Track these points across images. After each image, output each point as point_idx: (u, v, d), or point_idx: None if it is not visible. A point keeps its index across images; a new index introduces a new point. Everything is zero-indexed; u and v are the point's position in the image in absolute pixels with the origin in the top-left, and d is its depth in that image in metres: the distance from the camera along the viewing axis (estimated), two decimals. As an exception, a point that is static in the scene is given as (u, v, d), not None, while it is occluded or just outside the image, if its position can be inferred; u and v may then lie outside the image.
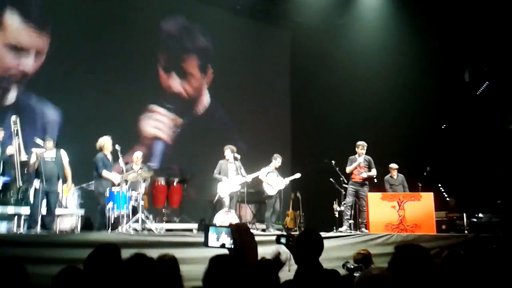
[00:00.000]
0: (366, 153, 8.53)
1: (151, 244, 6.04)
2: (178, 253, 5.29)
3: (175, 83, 11.25)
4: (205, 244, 2.45)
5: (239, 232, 2.88)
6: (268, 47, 12.65)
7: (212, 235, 2.47)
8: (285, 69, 13.12)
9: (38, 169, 6.70)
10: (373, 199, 8.51)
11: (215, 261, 2.19)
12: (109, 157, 7.52)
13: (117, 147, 7.43)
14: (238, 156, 8.32)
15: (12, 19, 9.14)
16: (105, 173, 7.31)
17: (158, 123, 10.83)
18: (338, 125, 11.24)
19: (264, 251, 3.98)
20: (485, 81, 11.36)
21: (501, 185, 10.07)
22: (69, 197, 7.74)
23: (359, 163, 8.42)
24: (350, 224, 8.31)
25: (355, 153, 8.55)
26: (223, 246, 2.45)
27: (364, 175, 8.40)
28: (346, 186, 8.60)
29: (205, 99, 11.74)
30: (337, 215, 8.62)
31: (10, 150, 6.73)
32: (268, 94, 12.55)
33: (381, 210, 8.42)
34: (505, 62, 10.63)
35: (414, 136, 10.91)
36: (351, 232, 8.02)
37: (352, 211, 8.42)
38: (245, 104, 12.10)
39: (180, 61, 11.40)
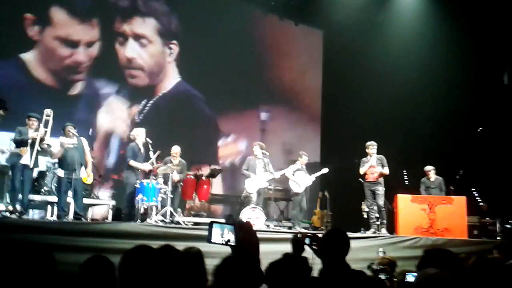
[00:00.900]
0: (381, 153, 8.36)
1: (178, 236, 6.14)
2: (203, 246, 5.37)
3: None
4: (208, 239, 2.46)
5: (242, 230, 2.87)
6: (300, 46, 12.58)
7: (216, 231, 2.47)
8: (317, 67, 13.02)
9: (62, 158, 6.79)
10: (403, 201, 8.36)
11: (225, 261, 2.20)
12: (142, 148, 7.64)
13: (149, 140, 7.55)
14: (267, 153, 8.32)
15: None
16: (132, 162, 7.42)
17: (111, 116, 10.11)
18: (369, 124, 11.06)
19: (284, 249, 3.98)
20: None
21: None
22: (102, 187, 7.91)
23: (372, 163, 8.25)
24: (378, 226, 8.17)
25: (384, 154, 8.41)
26: (227, 243, 2.44)
27: (378, 170, 8.20)
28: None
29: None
30: (365, 216, 8.50)
31: (33, 134, 6.56)
32: (301, 92, 12.49)
33: (411, 212, 8.26)
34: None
35: (448, 138, 10.65)
36: (379, 234, 7.89)
37: (383, 212, 8.26)
38: (278, 101, 12.03)
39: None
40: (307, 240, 3.55)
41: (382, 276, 3.86)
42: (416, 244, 7.42)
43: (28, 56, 9.19)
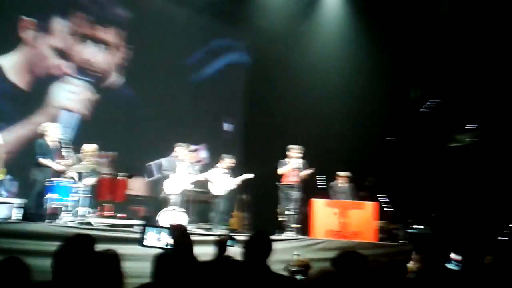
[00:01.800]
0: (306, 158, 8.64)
1: (105, 239, 5.85)
2: (119, 249, 5.18)
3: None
4: (140, 243, 2.43)
5: (178, 233, 2.88)
6: (224, 49, 12.63)
7: (150, 234, 2.45)
8: (241, 72, 13.14)
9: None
10: (317, 204, 8.72)
11: (162, 259, 2.18)
12: (50, 144, 7.22)
13: (63, 138, 7.16)
14: (190, 155, 8.25)
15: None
16: (42, 160, 7.01)
17: (71, 94, 9.99)
18: (291, 130, 11.38)
19: (207, 251, 4.00)
20: (430, 99, 11.94)
21: (436, 199, 10.63)
22: (6, 184, 7.37)
23: (293, 167, 8.48)
24: (295, 228, 8.41)
25: (304, 158, 8.66)
26: (167, 246, 2.44)
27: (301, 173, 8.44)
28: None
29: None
30: (280, 219, 8.71)
31: None
32: (222, 95, 12.51)
33: (324, 216, 8.64)
34: (450, 81, 11.22)
35: (361, 147, 11.27)
36: (294, 236, 8.14)
37: (297, 215, 8.53)
38: (197, 105, 11.92)
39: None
40: (229, 242, 3.63)
41: (298, 277, 4.02)
42: (329, 246, 7.76)
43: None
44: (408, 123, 11.80)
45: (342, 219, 8.59)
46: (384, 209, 10.24)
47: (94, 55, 10.47)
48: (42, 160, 7.02)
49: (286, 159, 8.57)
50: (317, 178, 10.71)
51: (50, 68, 9.72)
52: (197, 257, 3.16)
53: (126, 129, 10.58)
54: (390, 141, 12.00)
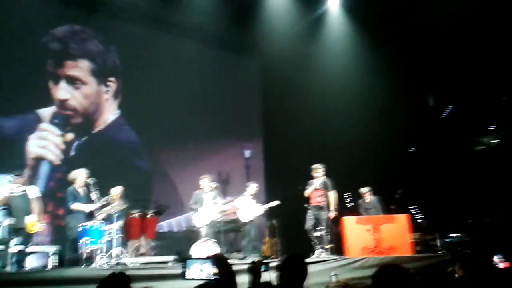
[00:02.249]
0: (332, 176, 8.57)
1: (147, 277, 5.89)
2: (156, 286, 5.20)
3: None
4: (182, 276, 2.44)
5: (220, 262, 2.88)
6: (237, 78, 12.82)
7: (193, 267, 2.46)
8: (255, 98, 13.29)
9: (8, 206, 6.54)
10: (348, 223, 8.60)
11: None
12: (81, 191, 7.40)
13: (91, 180, 7.30)
14: (215, 185, 8.29)
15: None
16: (74, 205, 7.18)
17: (43, 141, 9.71)
18: (310, 151, 11.38)
19: (242, 280, 3.98)
20: (448, 105, 11.82)
21: (471, 205, 10.37)
22: (41, 233, 7.51)
23: (315, 187, 8.39)
24: (328, 249, 8.29)
25: (327, 176, 8.60)
26: (212, 277, 2.45)
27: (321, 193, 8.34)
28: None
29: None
30: (313, 241, 8.61)
31: None
32: (239, 123, 12.63)
33: (357, 234, 8.50)
34: (467, 85, 11.11)
35: (385, 160, 11.16)
36: (328, 257, 8.01)
37: (329, 236, 8.42)
38: (215, 135, 12.05)
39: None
40: (262, 268, 3.61)
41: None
42: (365, 265, 7.60)
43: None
44: (430, 131, 11.68)
45: (376, 235, 8.44)
46: (417, 220, 10.06)
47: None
48: (73, 206, 7.20)
49: (313, 180, 8.52)
50: (345, 196, 10.65)
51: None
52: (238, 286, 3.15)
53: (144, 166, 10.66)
54: (414, 150, 11.87)
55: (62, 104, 9.99)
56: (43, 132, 9.64)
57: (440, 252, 8.96)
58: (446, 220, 10.14)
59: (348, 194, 10.79)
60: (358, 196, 9.71)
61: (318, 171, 8.47)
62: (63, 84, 10.04)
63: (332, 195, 8.40)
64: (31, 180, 8.95)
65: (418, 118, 11.75)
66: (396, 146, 11.57)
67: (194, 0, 10.78)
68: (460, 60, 10.94)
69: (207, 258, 2.46)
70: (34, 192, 7.05)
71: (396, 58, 11.32)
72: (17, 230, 6.61)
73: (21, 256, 6.60)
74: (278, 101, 12.50)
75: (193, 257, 7.37)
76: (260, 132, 13.13)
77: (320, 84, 11.89)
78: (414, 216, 10.11)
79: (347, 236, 8.52)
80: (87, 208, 7.21)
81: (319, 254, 8.12)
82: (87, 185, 7.36)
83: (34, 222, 6.90)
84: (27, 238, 6.88)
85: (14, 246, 6.58)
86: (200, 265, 2.43)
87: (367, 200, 9.30)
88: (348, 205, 10.49)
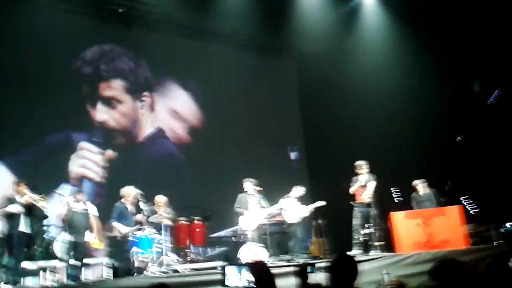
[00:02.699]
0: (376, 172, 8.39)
1: (178, 285, 5.99)
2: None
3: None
4: (222, 283, 2.44)
5: (257, 269, 2.85)
6: (275, 79, 12.81)
7: (231, 274, 2.45)
8: (294, 98, 13.24)
9: (69, 222, 6.85)
10: (398, 218, 8.38)
11: None
12: (129, 207, 7.60)
13: (139, 194, 7.48)
14: (259, 188, 8.29)
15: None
16: (115, 224, 7.40)
17: (85, 160, 9.97)
18: (354, 148, 11.17)
19: (291, 282, 3.94)
20: (495, 90, 11.29)
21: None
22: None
23: (361, 183, 8.25)
24: (378, 246, 8.11)
25: (371, 172, 8.43)
26: (249, 284, 2.44)
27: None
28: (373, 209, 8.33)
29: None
30: (361, 239, 8.43)
31: (26, 199, 6.65)
32: (280, 124, 12.60)
33: (407, 229, 8.27)
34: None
35: (432, 151, 10.79)
36: (379, 255, 7.83)
37: (378, 233, 8.24)
38: (256, 136, 12.08)
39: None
40: (309, 269, 3.55)
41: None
42: (419, 260, 7.38)
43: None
44: (477, 118, 11.19)
45: (427, 229, 8.17)
46: (470, 211, 9.66)
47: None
48: (114, 224, 7.44)
49: (358, 176, 8.37)
50: (392, 192, 10.38)
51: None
52: None
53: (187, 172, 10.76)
54: (462, 139, 11.40)
55: (102, 124, 10.32)
56: (82, 151, 9.95)
57: (496, 243, 8.55)
58: (501, 210, 9.66)
59: (395, 189, 10.52)
60: (405, 191, 9.44)
61: (362, 168, 8.32)
62: (100, 106, 10.37)
63: (372, 184, 8.22)
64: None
65: (464, 105, 11.27)
66: (442, 136, 11.16)
67: (226, 6, 10.86)
68: (505, 41, 10.42)
69: (245, 264, 2.44)
70: (92, 209, 7.30)
71: (436, 44, 10.92)
72: (76, 245, 6.87)
73: (77, 268, 6.83)
74: (317, 99, 12.38)
75: (240, 261, 7.41)
76: (301, 132, 13.06)
77: (359, 78, 11.65)
78: (467, 207, 9.71)
79: (397, 232, 8.30)
80: (123, 230, 7.36)
81: (371, 251, 7.96)
82: (136, 201, 7.55)
83: (95, 239, 7.17)
84: (84, 252, 7.12)
85: (71, 260, 6.83)
86: (238, 272, 2.42)
87: (421, 193, 8.99)
88: (396, 200, 10.20)
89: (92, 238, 7.18)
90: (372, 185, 8.25)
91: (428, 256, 7.37)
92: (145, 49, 11.06)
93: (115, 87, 10.67)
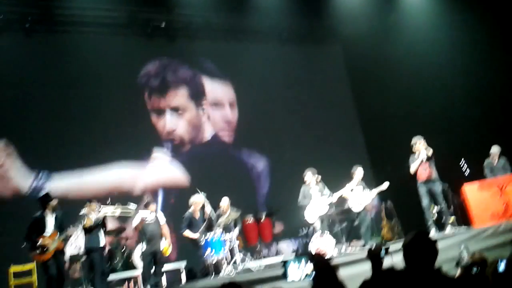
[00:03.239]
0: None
1: (254, 281, 6.09)
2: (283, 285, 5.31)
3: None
4: (285, 277, 2.46)
5: (317, 261, 2.82)
6: (322, 67, 12.68)
7: (291, 267, 2.47)
8: (344, 83, 13.03)
9: (143, 232, 7.16)
10: (471, 190, 7.99)
11: None
12: (197, 215, 7.84)
13: (208, 207, 7.71)
14: (319, 177, 8.23)
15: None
16: (186, 233, 7.66)
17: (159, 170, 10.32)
18: (410, 124, 10.78)
19: (364, 268, 3.88)
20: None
21: None
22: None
23: (422, 160, 7.88)
24: (452, 222, 7.81)
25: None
26: (307, 275, 2.46)
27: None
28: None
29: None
30: (435, 218, 8.15)
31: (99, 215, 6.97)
32: (333, 110, 12.46)
33: (482, 200, 7.87)
34: None
35: (495, 117, 10.20)
36: (455, 231, 7.54)
37: (450, 209, 7.94)
38: (312, 127, 12.03)
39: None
40: (382, 253, 3.45)
41: (474, 270, 3.68)
42: (497, 232, 7.03)
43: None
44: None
45: (503, 198, 7.75)
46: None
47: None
48: (185, 233, 7.72)
49: (416, 154, 8.07)
50: (461, 164, 9.94)
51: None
52: (342, 283, 3.04)
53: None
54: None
55: (170, 134, 10.69)
56: (155, 161, 10.34)
57: None
58: None
59: (463, 162, 10.07)
60: (472, 163, 9.01)
61: (419, 144, 8.01)
62: (167, 116, 10.76)
63: (425, 151, 7.88)
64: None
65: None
66: (502, 103, 10.52)
67: (261, 3, 10.86)
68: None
69: (304, 255, 2.46)
70: (162, 218, 7.62)
71: (487, 15, 10.28)
72: (155, 254, 7.15)
73: (158, 276, 7.12)
74: (366, 81, 12.09)
75: (311, 253, 7.42)
76: (356, 114, 12.84)
77: (407, 54, 11.19)
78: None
79: (471, 205, 7.92)
80: (195, 236, 7.59)
81: (445, 228, 7.69)
82: (203, 208, 7.77)
83: (167, 247, 7.48)
84: (163, 260, 7.42)
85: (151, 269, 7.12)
86: (297, 264, 2.45)
87: (496, 160, 8.53)
88: (466, 173, 9.75)
89: (164, 245, 7.44)
90: (422, 157, 7.89)
91: (508, 227, 7.01)
92: (190, 58, 11.33)
93: (180, 96, 11.03)
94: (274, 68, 11.91)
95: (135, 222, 7.23)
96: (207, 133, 11.24)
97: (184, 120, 10.95)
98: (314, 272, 2.51)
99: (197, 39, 11.30)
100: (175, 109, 10.85)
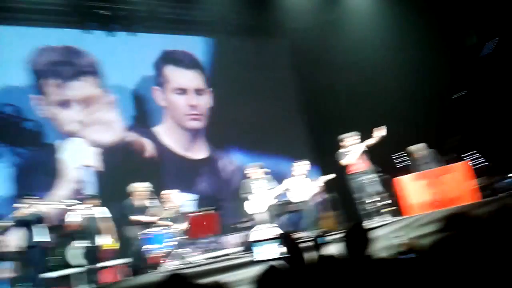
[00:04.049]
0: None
1: (194, 275, 6.02)
2: (223, 278, 5.28)
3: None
4: (255, 260, 2.46)
5: (287, 240, 2.87)
6: (269, 60, 12.74)
7: (259, 249, 2.47)
8: (291, 76, 13.18)
9: (78, 227, 6.92)
10: (405, 181, 8.33)
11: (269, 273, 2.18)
12: (138, 202, 7.62)
13: (148, 187, 7.49)
14: (265, 171, 8.28)
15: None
16: (132, 217, 7.41)
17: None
18: (355, 118, 11.09)
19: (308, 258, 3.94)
20: (490, 40, 11.16)
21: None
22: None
23: (356, 154, 8.07)
24: (388, 212, 8.11)
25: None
26: (280, 256, 2.48)
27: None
28: (375, 176, 8.24)
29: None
30: (373, 208, 8.41)
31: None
32: (279, 103, 12.58)
33: (416, 191, 8.21)
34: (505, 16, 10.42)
35: (433, 111, 10.74)
36: (390, 220, 7.83)
37: (386, 199, 8.23)
38: (259, 121, 12.06)
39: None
40: (319, 240, 3.56)
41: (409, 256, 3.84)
42: (430, 219, 7.34)
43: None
44: (472, 72, 11.09)
45: (435, 188, 8.13)
46: (479, 165, 9.65)
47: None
48: (132, 218, 7.41)
49: (343, 150, 8.21)
50: (395, 157, 10.36)
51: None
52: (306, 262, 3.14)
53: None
54: (462, 94, 11.32)
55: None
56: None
57: (500, 195, 8.51)
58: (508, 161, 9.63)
59: (399, 154, 10.50)
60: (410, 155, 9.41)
61: (353, 139, 8.20)
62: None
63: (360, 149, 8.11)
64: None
65: (458, 62, 11.17)
66: (440, 94, 11.10)
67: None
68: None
69: (274, 238, 2.48)
70: (105, 212, 7.35)
71: (423, 10, 10.76)
72: (92, 251, 6.95)
73: (94, 273, 6.90)
74: (313, 74, 12.31)
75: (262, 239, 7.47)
76: (301, 108, 13.04)
77: (352, 47, 11.55)
78: (475, 161, 9.70)
79: (406, 196, 8.26)
80: (146, 219, 7.41)
81: (382, 217, 7.95)
82: (143, 197, 7.57)
83: (110, 242, 7.23)
84: (98, 256, 7.19)
85: (87, 266, 6.90)
86: (265, 247, 2.46)
87: (417, 157, 8.95)
88: (400, 165, 10.19)
89: (107, 240, 7.23)
90: (360, 149, 8.12)
91: (439, 215, 7.36)
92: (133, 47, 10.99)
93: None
94: (222, 59, 11.84)
95: (75, 218, 6.95)
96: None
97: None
98: (286, 251, 2.56)
99: (142, 30, 10.97)
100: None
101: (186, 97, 11.53)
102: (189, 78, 11.67)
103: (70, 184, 9.61)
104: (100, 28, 10.55)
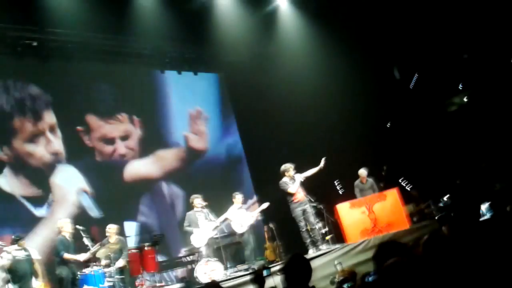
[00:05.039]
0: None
1: None
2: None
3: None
4: None
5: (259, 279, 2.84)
6: (206, 92, 12.83)
7: None
8: (228, 109, 13.30)
9: (13, 270, 6.45)
10: (343, 209, 8.64)
11: None
12: (70, 239, 7.29)
13: (79, 227, 7.21)
14: (205, 203, 8.23)
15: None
16: (66, 255, 7.04)
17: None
18: (291, 149, 11.37)
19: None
20: (414, 74, 11.98)
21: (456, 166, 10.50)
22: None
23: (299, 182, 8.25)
24: (328, 240, 8.31)
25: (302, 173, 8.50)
26: None
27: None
28: (315, 205, 8.48)
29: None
30: (312, 237, 8.57)
31: None
32: (218, 136, 12.63)
33: (353, 218, 8.55)
34: (427, 50, 11.25)
35: (365, 141, 11.24)
36: (330, 248, 8.02)
37: (325, 227, 8.44)
38: (196, 155, 12.05)
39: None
40: (265, 273, 3.60)
41: (345, 286, 3.97)
42: (367, 247, 7.65)
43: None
44: (403, 103, 11.82)
45: (371, 215, 8.50)
46: (408, 192, 10.16)
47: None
48: (66, 256, 7.04)
49: (287, 179, 8.37)
50: (335, 184, 10.69)
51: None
52: None
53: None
54: (391, 125, 11.99)
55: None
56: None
57: (436, 218, 9.05)
58: (437, 185, 10.25)
59: (337, 181, 10.86)
60: (346, 182, 9.77)
61: (291, 170, 8.36)
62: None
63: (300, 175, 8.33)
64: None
65: (388, 94, 11.87)
66: (372, 125, 11.68)
67: (143, 26, 10.60)
68: (414, 27, 11.08)
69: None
70: (35, 253, 6.93)
71: (354, 40, 11.40)
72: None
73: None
74: (248, 106, 12.50)
75: (198, 280, 7.34)
76: (239, 139, 13.16)
77: (285, 80, 11.90)
78: (405, 188, 10.22)
79: (344, 223, 8.56)
80: (78, 257, 7.08)
81: (321, 246, 8.10)
82: (77, 233, 7.25)
83: (41, 285, 6.81)
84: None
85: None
86: None
87: (364, 182, 9.31)
88: (340, 192, 10.54)
89: (37, 284, 6.81)
90: (300, 179, 8.31)
91: (376, 241, 7.65)
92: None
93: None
94: (157, 92, 11.76)
95: (3, 260, 6.48)
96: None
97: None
98: None
99: (74, 60, 10.65)
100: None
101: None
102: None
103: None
104: (35, 60, 10.10)
